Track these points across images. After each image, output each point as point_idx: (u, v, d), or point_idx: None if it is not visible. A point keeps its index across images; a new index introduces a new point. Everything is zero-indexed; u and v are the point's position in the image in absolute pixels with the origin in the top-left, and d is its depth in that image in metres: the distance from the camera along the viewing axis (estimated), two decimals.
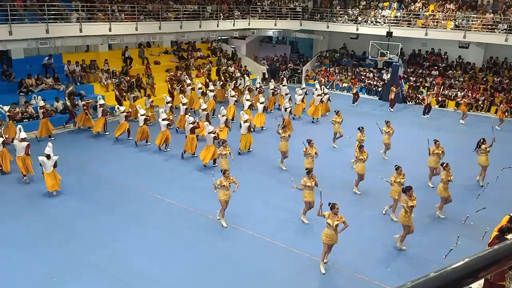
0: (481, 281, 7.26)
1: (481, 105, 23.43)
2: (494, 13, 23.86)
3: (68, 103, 17.75)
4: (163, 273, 8.51)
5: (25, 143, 12.51)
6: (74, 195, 11.78)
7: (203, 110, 16.55)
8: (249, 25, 26.79)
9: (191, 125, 14.57)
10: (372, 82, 26.88)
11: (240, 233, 10.06)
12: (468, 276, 1.26)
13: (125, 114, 16.34)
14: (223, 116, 15.82)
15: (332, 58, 30.29)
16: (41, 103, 16.03)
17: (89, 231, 9.98)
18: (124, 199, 11.70)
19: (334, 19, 27.46)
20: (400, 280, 8.51)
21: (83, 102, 17.42)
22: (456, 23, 24.01)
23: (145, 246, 9.44)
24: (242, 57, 29.56)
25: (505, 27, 22.27)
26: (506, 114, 21.06)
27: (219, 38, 28.34)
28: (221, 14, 25.13)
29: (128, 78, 21.51)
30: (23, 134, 12.60)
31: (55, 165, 11.66)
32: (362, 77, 27.42)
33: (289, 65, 30.56)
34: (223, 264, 8.90)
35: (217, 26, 24.49)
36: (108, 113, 17.18)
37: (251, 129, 15.43)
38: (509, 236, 7.72)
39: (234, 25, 25.65)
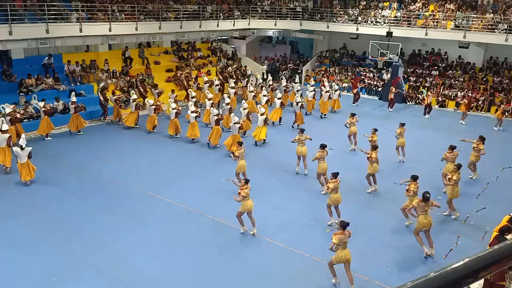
0: (481, 281, 7.25)
1: (481, 105, 23.42)
2: (494, 13, 23.86)
3: (101, 97, 18.69)
4: (163, 273, 8.51)
5: (6, 135, 13.06)
6: (74, 195, 11.77)
7: (227, 104, 17.87)
8: (249, 25, 26.78)
9: (216, 117, 15.86)
10: (372, 82, 26.88)
11: (240, 233, 10.05)
12: (468, 276, 1.26)
13: (154, 107, 17.63)
14: (244, 109, 17.17)
15: (332, 58, 30.28)
16: (41, 104, 16.18)
17: (89, 231, 9.98)
18: (124, 199, 11.70)
19: (334, 19, 27.46)
20: (400, 280, 8.51)
21: (115, 97, 18.62)
22: (456, 23, 24.01)
23: (145, 246, 9.43)
24: (242, 57, 29.56)
25: (505, 27, 22.27)
26: (506, 115, 21.04)
27: (219, 38, 28.33)
28: (221, 14, 25.13)
29: (128, 78, 21.53)
30: (5, 126, 13.30)
31: (29, 156, 12.12)
32: (362, 77, 27.42)
33: (289, 65, 30.56)
34: (223, 264, 8.90)
35: (217, 26, 24.49)
36: (140, 108, 18.77)
37: (267, 122, 16.59)
38: (508, 236, 7.72)
39: (234, 25, 25.65)
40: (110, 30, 19.14)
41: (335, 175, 10.26)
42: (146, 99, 19.04)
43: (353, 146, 15.94)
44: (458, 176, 10.91)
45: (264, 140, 16.46)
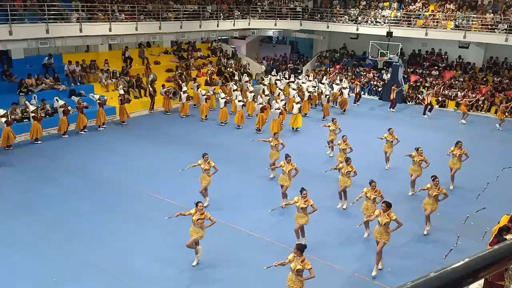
0: (481, 281, 7.25)
1: (481, 105, 23.42)
2: (494, 13, 23.86)
3: (150, 89, 20.66)
4: (163, 273, 8.51)
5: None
6: (74, 195, 11.77)
7: (266, 95, 20.18)
8: (249, 25, 26.78)
9: (261, 105, 18.17)
10: (372, 82, 26.87)
11: (240, 233, 10.05)
12: (468, 276, 1.26)
13: (205, 97, 19.56)
14: (281, 100, 19.03)
15: (332, 58, 30.29)
16: (61, 102, 16.47)
17: (89, 231, 9.98)
18: (124, 199, 11.70)
19: (334, 19, 27.46)
20: (400, 280, 8.51)
21: (165, 89, 20.48)
22: (456, 23, 24.01)
23: (145, 246, 9.43)
24: (242, 57, 29.55)
25: (505, 27, 22.27)
26: (506, 114, 21.05)
27: (219, 38, 28.33)
28: (221, 14, 25.13)
29: (128, 78, 21.53)
30: (1, 111, 14.67)
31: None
32: (362, 77, 27.41)
33: (289, 65, 30.55)
34: (223, 264, 8.89)
35: (217, 26, 24.49)
36: (191, 99, 20.91)
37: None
38: (508, 236, 7.71)
39: (234, 25, 25.65)
40: (110, 30, 19.14)
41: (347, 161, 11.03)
42: (198, 89, 21.17)
43: (331, 151, 15.33)
44: (438, 191, 10.02)
45: (297, 128, 18.26)
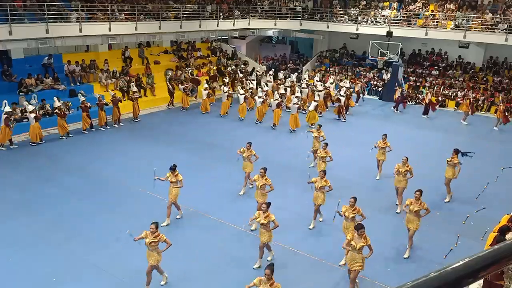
0: (481, 281, 7.25)
1: (481, 105, 23.42)
2: (494, 13, 23.85)
3: (169, 86, 21.64)
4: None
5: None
6: (74, 195, 11.77)
7: (281, 92, 21.62)
8: (249, 25, 26.77)
9: (276, 101, 19.14)
10: (372, 82, 26.87)
11: (240, 233, 10.05)
12: (468, 276, 1.26)
13: (244, 96, 20.31)
14: (296, 96, 20.02)
15: (332, 58, 30.28)
16: (83, 98, 17.09)
17: (89, 231, 9.98)
18: (124, 199, 11.69)
19: (334, 19, 27.45)
20: (400, 280, 8.51)
21: (183, 86, 21.47)
22: (456, 23, 24.01)
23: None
24: (242, 57, 29.54)
25: (505, 27, 22.27)
26: (506, 114, 21.03)
27: (219, 38, 28.33)
28: (221, 14, 25.13)
29: (128, 78, 21.52)
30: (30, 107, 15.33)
31: None
32: (362, 77, 27.41)
33: (289, 65, 30.54)
34: (223, 264, 8.89)
35: (217, 26, 24.49)
36: (211, 95, 21.85)
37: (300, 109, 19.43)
38: (507, 236, 7.71)
39: (234, 25, 25.64)
40: (110, 30, 19.13)
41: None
42: (238, 87, 22.07)
43: (312, 162, 14.10)
44: (419, 206, 9.09)
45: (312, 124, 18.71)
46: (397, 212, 11.27)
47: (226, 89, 21.18)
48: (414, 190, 9.28)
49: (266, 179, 10.12)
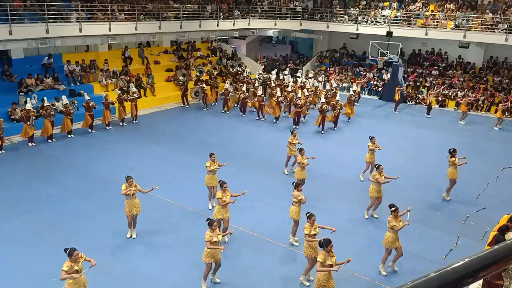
0: (481, 281, 7.25)
1: (481, 105, 23.41)
2: (494, 13, 23.85)
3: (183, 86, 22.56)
4: (163, 273, 8.51)
5: None
6: (74, 195, 11.77)
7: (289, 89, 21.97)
8: (249, 25, 26.76)
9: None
10: (372, 82, 26.86)
11: (240, 233, 10.04)
12: (468, 276, 1.26)
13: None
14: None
15: (332, 58, 30.27)
16: (87, 97, 17.15)
17: (89, 231, 9.98)
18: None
19: (334, 19, 27.44)
20: (400, 280, 8.52)
21: (194, 89, 22.48)
22: (456, 23, 24.00)
23: (145, 246, 9.43)
24: (242, 57, 29.52)
25: (505, 27, 22.26)
26: (506, 114, 21.04)
27: (219, 38, 28.31)
28: (221, 14, 25.12)
29: (128, 78, 21.52)
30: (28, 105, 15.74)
31: None
32: (363, 77, 27.41)
33: (289, 65, 30.52)
34: (223, 264, 8.88)
35: (217, 26, 24.49)
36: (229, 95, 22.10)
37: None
38: (507, 236, 7.70)
39: (234, 25, 25.64)
40: (110, 30, 19.14)
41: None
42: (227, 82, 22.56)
43: (286, 170, 13.65)
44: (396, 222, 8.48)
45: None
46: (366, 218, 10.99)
47: (230, 88, 21.75)
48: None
49: (228, 193, 9.43)
